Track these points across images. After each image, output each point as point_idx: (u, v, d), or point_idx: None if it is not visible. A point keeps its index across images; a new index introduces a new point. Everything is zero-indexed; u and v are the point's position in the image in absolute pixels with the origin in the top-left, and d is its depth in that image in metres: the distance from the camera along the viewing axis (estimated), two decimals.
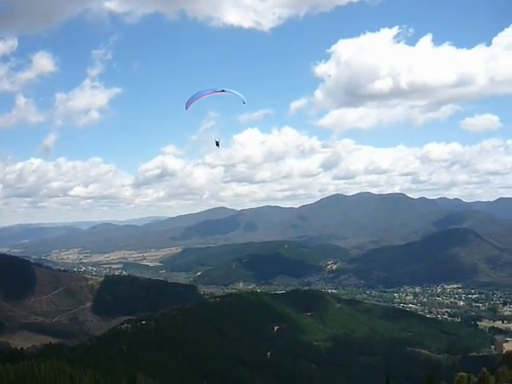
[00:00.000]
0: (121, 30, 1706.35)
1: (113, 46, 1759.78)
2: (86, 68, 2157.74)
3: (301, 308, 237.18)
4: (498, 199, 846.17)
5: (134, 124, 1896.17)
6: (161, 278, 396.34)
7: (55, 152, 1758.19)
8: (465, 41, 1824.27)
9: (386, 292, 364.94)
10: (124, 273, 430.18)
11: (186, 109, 51.34)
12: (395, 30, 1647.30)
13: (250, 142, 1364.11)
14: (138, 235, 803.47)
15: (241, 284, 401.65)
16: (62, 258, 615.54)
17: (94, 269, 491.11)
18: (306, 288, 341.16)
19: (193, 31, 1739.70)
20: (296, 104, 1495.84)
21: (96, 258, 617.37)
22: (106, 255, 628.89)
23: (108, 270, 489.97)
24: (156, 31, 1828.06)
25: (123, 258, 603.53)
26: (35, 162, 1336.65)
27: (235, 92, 48.94)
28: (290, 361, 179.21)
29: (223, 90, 47.67)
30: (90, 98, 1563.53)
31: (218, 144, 52.51)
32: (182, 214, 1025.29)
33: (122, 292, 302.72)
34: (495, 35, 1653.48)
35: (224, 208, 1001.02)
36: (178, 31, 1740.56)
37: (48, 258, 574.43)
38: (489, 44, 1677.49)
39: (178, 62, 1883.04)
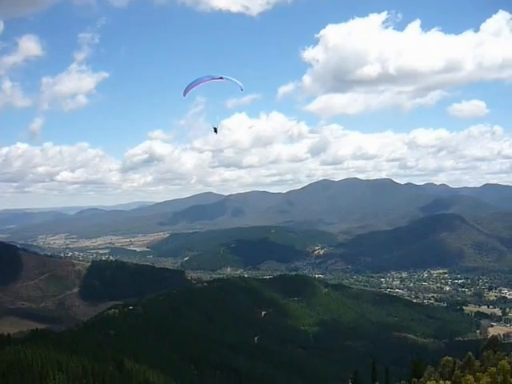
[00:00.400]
0: (108, 13, 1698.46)
1: (100, 29, 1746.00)
2: (72, 52, 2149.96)
3: (288, 293, 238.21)
4: (484, 185, 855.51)
5: (121, 109, 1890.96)
6: (148, 264, 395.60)
7: (42, 137, 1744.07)
8: (453, 27, 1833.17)
9: (372, 277, 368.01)
10: (111, 258, 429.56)
11: (184, 96, 50.92)
12: (384, 15, 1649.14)
13: (237, 127, 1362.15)
14: (125, 220, 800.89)
15: (228, 269, 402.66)
16: (49, 244, 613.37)
17: (81, 254, 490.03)
18: (294, 273, 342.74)
19: (181, 15, 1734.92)
20: (284, 89, 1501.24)
21: (83, 243, 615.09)
22: (93, 240, 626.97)
23: (95, 255, 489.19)
24: (144, 15, 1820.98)
25: (110, 243, 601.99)
26: (21, 146, 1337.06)
27: (233, 79, 48.53)
28: (277, 345, 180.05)
29: (221, 77, 47.11)
30: (77, 83, 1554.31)
31: (216, 130, 51.89)
32: (170, 199, 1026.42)
33: (109, 277, 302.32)
34: (483, 21, 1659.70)
35: (211, 193, 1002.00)
36: (166, 15, 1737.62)
37: (34, 244, 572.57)
38: (477, 30, 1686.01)
39: (165, 46, 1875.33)
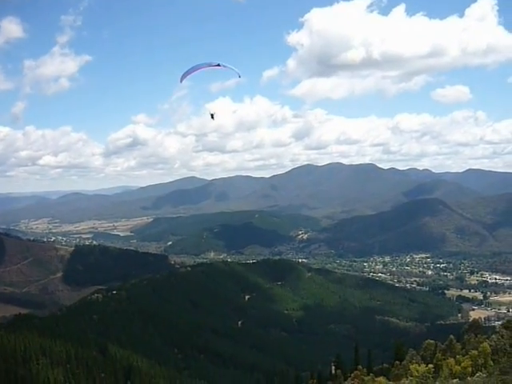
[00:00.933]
0: None
1: (83, 11, 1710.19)
2: (55, 35, 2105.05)
3: (272, 277, 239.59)
4: (467, 170, 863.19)
5: (104, 92, 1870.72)
6: (131, 248, 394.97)
7: (24, 120, 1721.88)
8: (438, 11, 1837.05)
9: (355, 261, 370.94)
10: (94, 243, 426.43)
11: (181, 81, 50.66)
12: None
13: (221, 111, 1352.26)
14: (109, 205, 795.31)
15: (212, 253, 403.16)
16: (31, 228, 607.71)
17: (64, 239, 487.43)
18: (277, 257, 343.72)
19: None
20: (268, 73, 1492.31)
21: (66, 227, 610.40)
22: (76, 225, 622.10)
23: (78, 239, 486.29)
24: None
25: (93, 227, 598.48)
26: (3, 130, 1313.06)
27: (230, 66, 48.35)
28: (261, 329, 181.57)
29: (218, 64, 46.95)
30: (60, 66, 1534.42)
31: (212, 116, 51.36)
32: (153, 183, 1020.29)
33: (92, 262, 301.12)
34: (468, 6, 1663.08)
35: (195, 177, 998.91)
36: None
37: (17, 228, 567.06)
38: (461, 15, 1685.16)
39: (149, 29, 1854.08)
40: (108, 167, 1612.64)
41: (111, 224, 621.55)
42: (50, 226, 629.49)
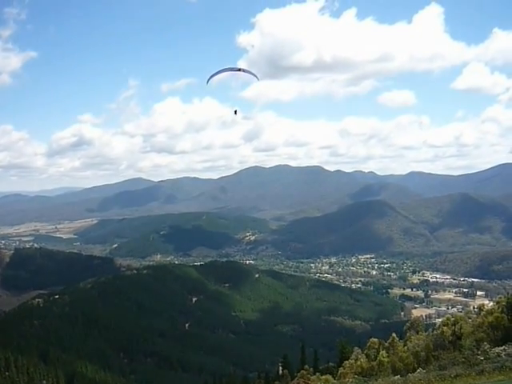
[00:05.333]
0: None
1: (28, 4, 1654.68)
2: None
3: (219, 279, 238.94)
4: (409, 173, 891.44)
5: (49, 90, 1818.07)
6: (75, 251, 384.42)
7: None
8: (387, 17, 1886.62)
9: (302, 262, 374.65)
10: (35, 246, 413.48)
11: (207, 83, 54.09)
12: (321, 2, 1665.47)
13: (170, 112, 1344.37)
14: (51, 206, 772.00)
15: (158, 256, 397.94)
16: None
17: (3, 242, 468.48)
18: (224, 259, 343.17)
19: None
20: (219, 75, 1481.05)
21: (5, 230, 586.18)
22: (16, 227, 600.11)
23: (18, 242, 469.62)
24: None
25: (34, 230, 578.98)
26: None
27: (250, 71, 51.18)
28: (208, 332, 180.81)
29: (240, 69, 48.97)
30: (2, 61, 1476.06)
31: (235, 112, 53.72)
32: (98, 184, 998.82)
33: (33, 266, 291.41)
34: (416, 13, 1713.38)
35: (141, 179, 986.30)
36: None
37: None
38: (410, 21, 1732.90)
39: (96, 26, 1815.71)
40: (51, 167, 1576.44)
41: (53, 226, 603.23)
42: None
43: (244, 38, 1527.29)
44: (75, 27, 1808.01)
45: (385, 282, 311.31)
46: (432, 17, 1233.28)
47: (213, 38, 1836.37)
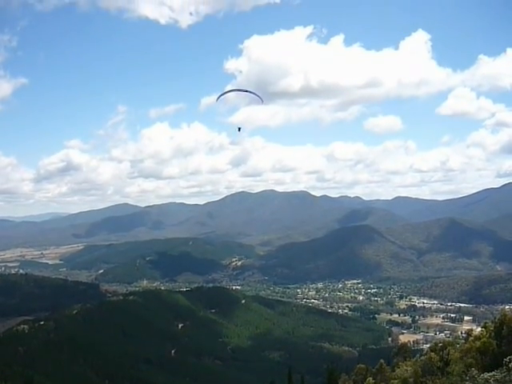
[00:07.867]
0: (29, 15, 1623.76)
1: (19, 32, 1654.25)
2: None
3: (205, 305, 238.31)
4: (395, 198, 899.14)
5: (37, 116, 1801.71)
6: (61, 277, 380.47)
7: None
8: (374, 43, 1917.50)
9: (289, 288, 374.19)
10: (21, 271, 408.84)
11: (216, 101, 60.77)
12: (310, 29, 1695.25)
13: (159, 137, 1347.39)
14: (37, 232, 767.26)
15: (145, 282, 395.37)
16: None
17: None
18: (211, 285, 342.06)
19: (106, 23, 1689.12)
20: (207, 100, 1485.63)
21: None
22: (1, 253, 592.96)
23: (3, 268, 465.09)
24: (67, 21, 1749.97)
25: (20, 255, 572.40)
26: None
27: (255, 93, 55.67)
28: (194, 358, 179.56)
29: (246, 91, 56.42)
30: None
31: (239, 129, 58.35)
32: (84, 210, 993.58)
33: (18, 291, 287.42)
34: (402, 39, 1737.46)
35: (128, 204, 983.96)
36: (90, 22, 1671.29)
37: None
38: (396, 48, 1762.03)
39: (88, 53, 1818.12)
40: (38, 193, 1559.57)
41: (39, 252, 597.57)
42: None
43: (232, 64, 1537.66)
44: (65, 54, 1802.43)
45: (372, 307, 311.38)
46: (419, 43, 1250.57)
47: (201, 63, 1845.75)
